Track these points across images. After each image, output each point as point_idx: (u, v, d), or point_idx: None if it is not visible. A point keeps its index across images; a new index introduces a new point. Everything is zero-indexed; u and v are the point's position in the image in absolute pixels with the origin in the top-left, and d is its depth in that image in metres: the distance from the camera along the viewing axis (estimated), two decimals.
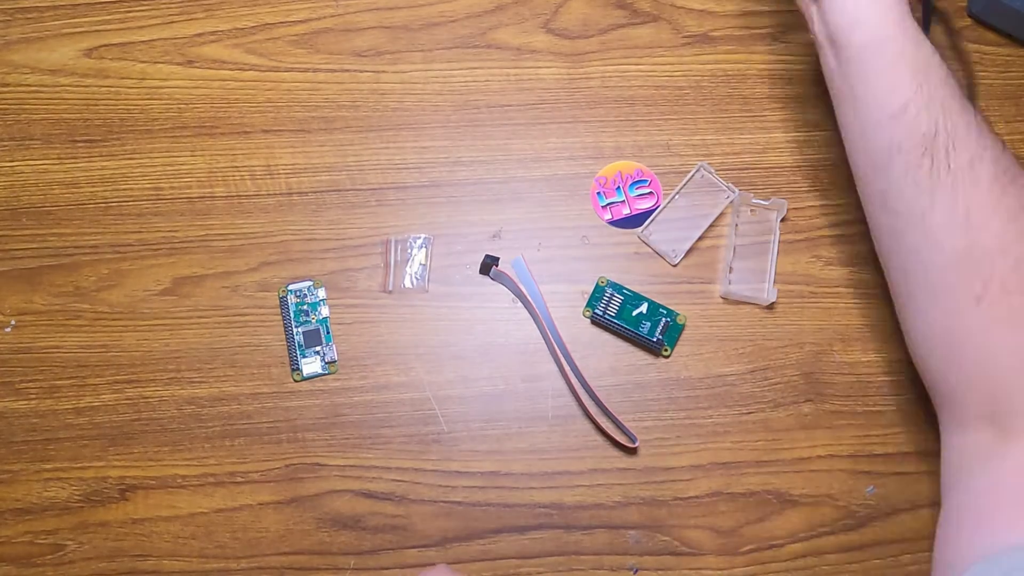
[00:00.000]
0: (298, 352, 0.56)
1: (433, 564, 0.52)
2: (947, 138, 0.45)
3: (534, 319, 0.56)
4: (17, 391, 0.56)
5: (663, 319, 0.55)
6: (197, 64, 0.60)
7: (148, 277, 0.57)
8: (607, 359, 0.56)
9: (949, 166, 0.44)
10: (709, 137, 0.59)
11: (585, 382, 0.55)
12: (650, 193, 0.58)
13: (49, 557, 0.53)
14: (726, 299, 0.57)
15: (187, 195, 0.58)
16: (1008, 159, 0.46)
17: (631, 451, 0.54)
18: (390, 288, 0.57)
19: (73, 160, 0.59)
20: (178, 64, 0.60)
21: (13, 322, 0.57)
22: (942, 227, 0.45)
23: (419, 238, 0.57)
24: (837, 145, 0.58)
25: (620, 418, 0.54)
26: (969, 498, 0.44)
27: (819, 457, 0.54)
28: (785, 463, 0.54)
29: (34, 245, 0.58)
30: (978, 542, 0.42)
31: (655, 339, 0.55)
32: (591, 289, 0.56)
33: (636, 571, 0.53)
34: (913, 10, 0.48)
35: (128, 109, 0.60)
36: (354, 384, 0.56)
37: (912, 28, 0.47)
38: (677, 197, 0.58)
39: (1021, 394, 0.44)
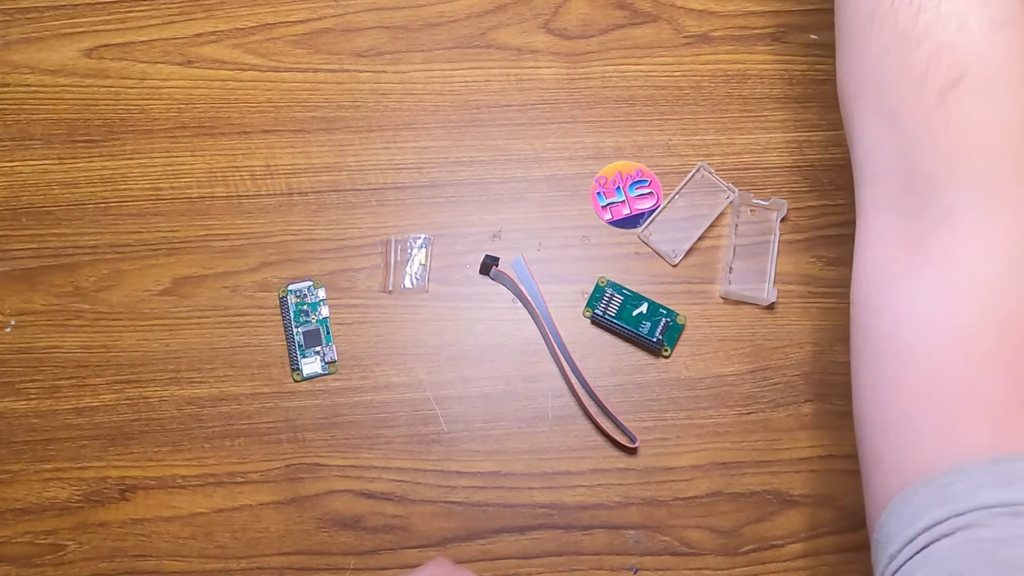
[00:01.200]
0: (298, 352, 0.56)
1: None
2: None
3: (534, 319, 0.56)
4: (17, 391, 0.56)
5: (663, 319, 0.55)
6: (197, 64, 0.60)
7: (148, 277, 0.57)
8: (607, 359, 0.56)
9: None
10: (709, 137, 0.59)
11: (585, 382, 0.55)
12: (650, 193, 0.58)
13: (49, 557, 0.53)
14: (726, 299, 0.57)
15: (187, 195, 0.58)
16: None
17: (631, 451, 0.54)
18: (390, 288, 0.57)
19: (73, 160, 0.59)
20: (178, 64, 0.60)
21: (13, 322, 0.57)
22: None
23: (419, 238, 0.57)
24: (837, 145, 0.59)
25: (620, 418, 0.54)
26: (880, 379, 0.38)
27: (819, 457, 0.54)
28: (785, 463, 0.54)
29: (34, 245, 0.58)
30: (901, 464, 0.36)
31: (655, 339, 0.55)
32: (591, 289, 0.56)
33: (636, 571, 0.53)
34: None
35: (128, 109, 0.60)
36: (354, 384, 0.56)
37: None
38: (677, 197, 0.58)
39: (926, 146, 0.37)
